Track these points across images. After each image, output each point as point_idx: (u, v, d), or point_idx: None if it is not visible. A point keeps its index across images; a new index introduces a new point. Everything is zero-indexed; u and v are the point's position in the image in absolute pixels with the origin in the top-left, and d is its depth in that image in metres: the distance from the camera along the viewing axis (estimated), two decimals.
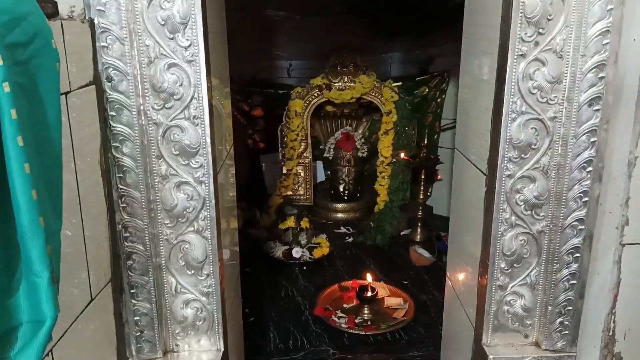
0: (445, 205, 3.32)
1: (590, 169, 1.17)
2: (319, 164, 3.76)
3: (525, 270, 1.25)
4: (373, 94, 3.23)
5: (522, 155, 1.19)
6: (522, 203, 1.21)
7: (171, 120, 1.16)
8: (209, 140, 1.17)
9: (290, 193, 3.34)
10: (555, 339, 1.27)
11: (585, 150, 1.17)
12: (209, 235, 1.24)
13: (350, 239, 3.12)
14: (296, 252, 2.80)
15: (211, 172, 1.19)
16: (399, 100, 3.19)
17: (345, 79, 3.19)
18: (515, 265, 1.25)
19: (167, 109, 1.15)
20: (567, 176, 1.18)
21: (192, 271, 1.26)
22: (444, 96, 3.36)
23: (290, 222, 3.01)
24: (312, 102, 3.22)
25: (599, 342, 1.32)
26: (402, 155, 3.13)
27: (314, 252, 2.83)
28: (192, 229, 1.23)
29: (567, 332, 1.27)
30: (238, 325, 1.74)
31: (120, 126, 1.15)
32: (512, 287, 1.27)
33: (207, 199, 1.21)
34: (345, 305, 2.32)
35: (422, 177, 2.97)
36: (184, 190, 1.21)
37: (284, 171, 3.30)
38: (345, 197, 3.42)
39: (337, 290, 2.43)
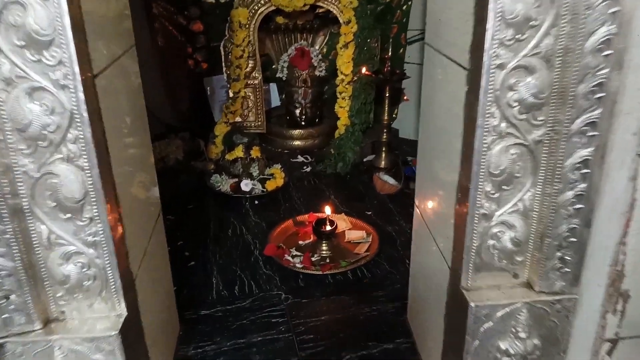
0: (412, 128, 3.01)
1: (609, 52, 0.85)
2: (273, 87, 3.36)
3: (517, 193, 0.96)
4: (329, 0, 2.80)
5: (518, 36, 0.85)
6: (515, 104, 0.89)
7: None
8: (67, 22, 0.79)
9: (239, 119, 2.96)
10: (552, 278, 1.00)
11: (603, 26, 0.84)
12: (86, 165, 0.88)
13: (309, 169, 2.81)
14: (245, 185, 2.47)
15: (77, 70, 0.82)
16: (359, 8, 2.78)
17: None
18: (504, 187, 0.95)
19: None
20: (577, 63, 0.86)
21: (68, 214, 0.91)
22: (410, 3, 2.95)
23: (239, 152, 2.65)
24: (258, 11, 2.78)
25: (604, 279, 1.05)
26: (364, 70, 2.77)
27: (266, 185, 2.51)
28: (60, 156, 0.88)
29: (568, 269, 0.99)
30: (164, 280, 1.42)
31: None
32: (499, 216, 0.97)
33: (75, 111, 0.84)
34: (300, 242, 2.04)
35: (387, 95, 2.63)
36: (40, 99, 0.83)
37: (230, 94, 2.90)
38: (302, 123, 3.07)
39: (292, 225, 2.14)
